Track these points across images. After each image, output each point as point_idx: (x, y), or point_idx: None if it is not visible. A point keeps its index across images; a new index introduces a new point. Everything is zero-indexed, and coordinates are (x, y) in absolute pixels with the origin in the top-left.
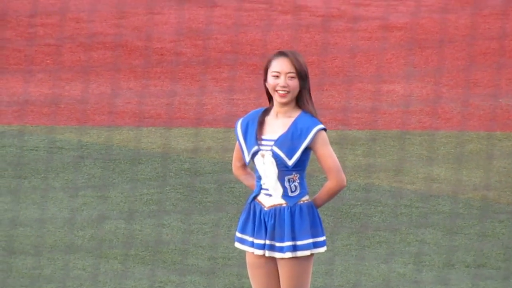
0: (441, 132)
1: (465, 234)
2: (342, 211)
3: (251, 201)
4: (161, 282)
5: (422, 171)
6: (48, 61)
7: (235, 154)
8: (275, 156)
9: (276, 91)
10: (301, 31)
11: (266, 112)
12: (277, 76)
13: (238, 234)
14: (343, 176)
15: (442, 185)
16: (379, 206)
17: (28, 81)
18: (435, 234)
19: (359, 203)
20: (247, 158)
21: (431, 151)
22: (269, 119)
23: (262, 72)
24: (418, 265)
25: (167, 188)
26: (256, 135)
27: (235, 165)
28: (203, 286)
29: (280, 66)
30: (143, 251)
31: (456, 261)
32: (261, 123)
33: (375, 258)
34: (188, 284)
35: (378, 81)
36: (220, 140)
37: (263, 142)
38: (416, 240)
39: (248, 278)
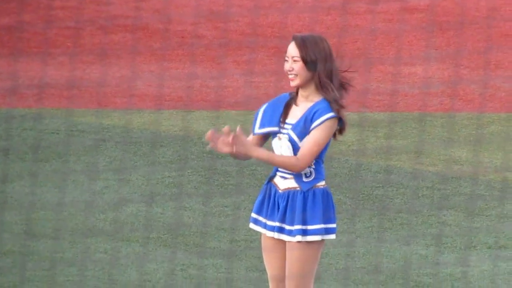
0: (462, 114)
1: (486, 216)
2: (364, 193)
3: (267, 183)
4: (182, 265)
5: (443, 153)
6: (68, 44)
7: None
8: (291, 140)
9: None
10: (322, 13)
11: (295, 96)
12: (287, 60)
13: (253, 215)
14: (305, 165)
15: (463, 167)
16: (401, 188)
17: (48, 64)
18: (456, 215)
19: (380, 185)
20: (256, 130)
21: (452, 133)
22: (297, 103)
23: (283, 54)
24: (440, 246)
25: (188, 171)
26: (281, 117)
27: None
28: (225, 268)
29: (288, 50)
30: (164, 234)
31: (477, 243)
32: (287, 107)
33: (396, 240)
34: (209, 266)
35: (399, 63)
36: (241, 122)
37: (285, 126)
38: (438, 222)
39: None
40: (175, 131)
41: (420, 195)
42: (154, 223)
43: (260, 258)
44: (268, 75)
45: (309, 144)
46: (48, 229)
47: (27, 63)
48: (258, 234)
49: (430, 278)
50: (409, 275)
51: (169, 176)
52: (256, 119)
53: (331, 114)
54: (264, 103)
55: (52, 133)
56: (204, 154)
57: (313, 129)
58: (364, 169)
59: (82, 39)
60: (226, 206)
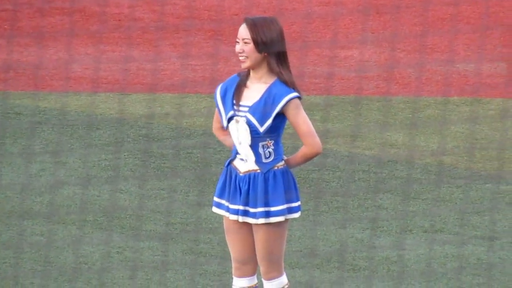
0: (398, 98)
1: (422, 200)
2: (300, 177)
3: (227, 165)
4: (118, 247)
5: (379, 136)
6: (5, 26)
7: (215, 116)
8: (249, 123)
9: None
10: None
11: (245, 77)
12: (238, 42)
13: (215, 199)
14: (318, 141)
15: (399, 151)
16: (337, 171)
17: None
18: (392, 199)
19: (316, 169)
20: (225, 123)
21: (388, 117)
22: (248, 85)
23: (219, 37)
24: (376, 230)
25: (124, 154)
26: (234, 100)
27: (215, 126)
28: (161, 251)
29: (239, 32)
30: (100, 217)
31: (413, 226)
32: (239, 89)
33: (332, 224)
34: (145, 249)
35: (335, 46)
36: (177, 105)
37: (240, 108)
38: (374, 206)
39: (206, 243)
40: (111, 114)
41: (356, 178)
42: (90, 206)
43: (196, 241)
44: (204, 58)
45: (301, 129)
46: None
47: None
48: (195, 217)
49: (366, 262)
50: (345, 259)
51: (105, 159)
52: (220, 111)
53: (294, 94)
54: (200, 86)
55: None
56: (140, 137)
57: (286, 113)
58: None
59: (19, 21)
60: (162, 189)
